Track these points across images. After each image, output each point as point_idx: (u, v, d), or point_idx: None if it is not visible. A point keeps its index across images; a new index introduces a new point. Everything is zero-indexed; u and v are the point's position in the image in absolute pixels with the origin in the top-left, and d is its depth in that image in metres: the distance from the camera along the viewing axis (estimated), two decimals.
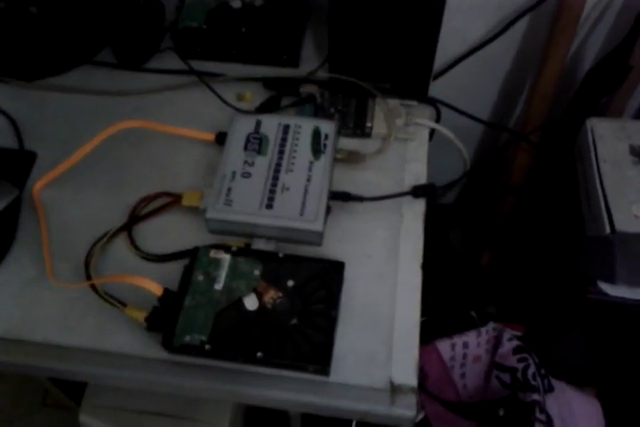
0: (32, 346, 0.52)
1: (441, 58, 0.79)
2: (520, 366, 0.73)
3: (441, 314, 0.85)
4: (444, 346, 0.77)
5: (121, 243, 0.57)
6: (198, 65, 0.67)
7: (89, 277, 0.54)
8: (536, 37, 0.79)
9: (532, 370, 0.73)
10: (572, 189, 0.67)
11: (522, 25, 0.78)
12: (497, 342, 0.77)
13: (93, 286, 0.53)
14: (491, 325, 0.79)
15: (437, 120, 0.67)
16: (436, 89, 0.68)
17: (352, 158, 0.60)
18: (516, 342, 0.76)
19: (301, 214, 0.53)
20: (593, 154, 0.63)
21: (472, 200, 1.05)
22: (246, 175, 0.56)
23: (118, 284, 0.52)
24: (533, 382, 0.72)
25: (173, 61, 0.68)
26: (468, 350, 0.78)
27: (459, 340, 0.77)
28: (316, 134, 0.59)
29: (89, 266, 0.55)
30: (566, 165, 0.69)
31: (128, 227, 0.57)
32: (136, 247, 0.56)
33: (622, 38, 0.70)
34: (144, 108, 0.66)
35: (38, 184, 0.60)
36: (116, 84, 0.68)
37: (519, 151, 0.84)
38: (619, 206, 0.59)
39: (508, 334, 0.77)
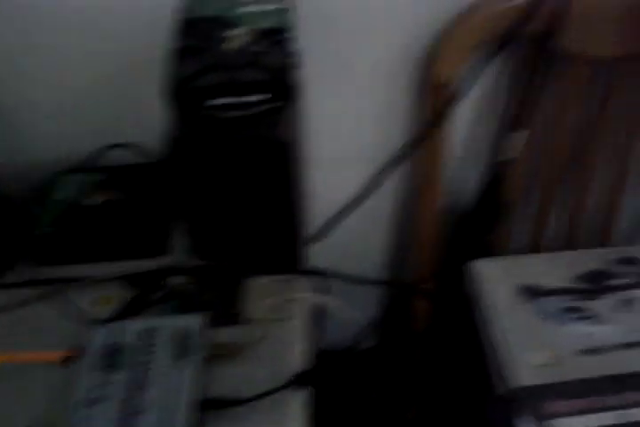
0: None
1: (319, 218, 0.77)
2: None
3: None
4: None
5: None
6: (59, 271, 0.63)
7: None
8: (410, 186, 0.78)
9: None
10: (472, 339, 0.62)
11: (396, 176, 0.78)
12: None
13: None
14: None
15: (324, 287, 0.64)
16: (321, 251, 0.66)
17: (226, 352, 0.55)
18: None
19: None
20: (481, 300, 0.59)
21: (391, 345, 0.99)
22: (99, 400, 0.49)
23: None
24: None
25: (31, 271, 0.64)
26: None
27: None
28: (180, 335, 0.53)
29: None
30: (462, 312, 0.65)
31: None
32: None
33: (490, 177, 0.70)
34: None
35: None
36: None
37: (417, 300, 0.80)
38: (514, 357, 0.54)
39: None
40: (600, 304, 0.64)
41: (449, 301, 0.74)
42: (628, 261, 0.69)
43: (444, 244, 0.77)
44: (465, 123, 0.74)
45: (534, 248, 0.79)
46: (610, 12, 0.61)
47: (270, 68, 0.45)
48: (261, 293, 0.59)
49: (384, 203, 0.82)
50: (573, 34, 0.61)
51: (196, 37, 0.49)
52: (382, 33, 0.66)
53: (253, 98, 0.44)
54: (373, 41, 0.66)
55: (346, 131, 0.74)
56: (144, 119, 0.62)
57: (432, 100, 0.65)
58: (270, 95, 0.44)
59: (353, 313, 0.60)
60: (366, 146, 0.76)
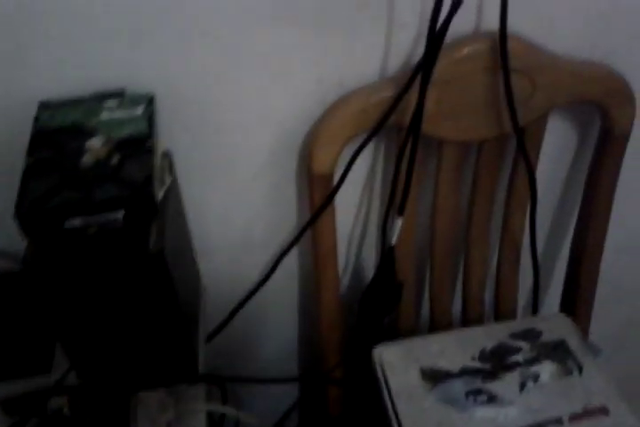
0: None
1: (220, 311, 0.74)
2: None
3: None
4: None
5: None
6: None
7: None
8: (309, 271, 0.77)
9: None
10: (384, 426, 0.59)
11: (293, 262, 0.77)
12: None
13: None
14: None
15: (224, 391, 0.60)
16: (223, 346, 0.62)
17: None
18: None
19: None
20: (386, 387, 0.57)
21: None
22: None
23: None
24: None
25: None
26: None
27: None
28: None
29: None
30: (373, 398, 0.63)
31: None
32: None
33: (381, 260, 0.70)
34: None
35: None
36: None
37: (328, 386, 0.78)
38: None
39: None
40: (501, 385, 0.63)
41: (360, 386, 0.72)
42: (526, 334, 0.69)
43: (349, 328, 0.76)
44: (353, 208, 0.74)
45: (436, 327, 0.79)
46: (470, 100, 0.64)
47: (130, 181, 0.43)
48: (154, 407, 0.55)
49: (284, 290, 0.81)
50: (438, 122, 0.63)
51: (51, 150, 0.47)
52: (261, 125, 0.66)
53: (114, 215, 0.42)
54: (253, 133, 0.67)
55: (237, 220, 0.73)
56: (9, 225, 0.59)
57: (313, 189, 0.66)
58: (131, 210, 0.43)
59: (252, 419, 0.56)
60: (259, 234, 0.75)
